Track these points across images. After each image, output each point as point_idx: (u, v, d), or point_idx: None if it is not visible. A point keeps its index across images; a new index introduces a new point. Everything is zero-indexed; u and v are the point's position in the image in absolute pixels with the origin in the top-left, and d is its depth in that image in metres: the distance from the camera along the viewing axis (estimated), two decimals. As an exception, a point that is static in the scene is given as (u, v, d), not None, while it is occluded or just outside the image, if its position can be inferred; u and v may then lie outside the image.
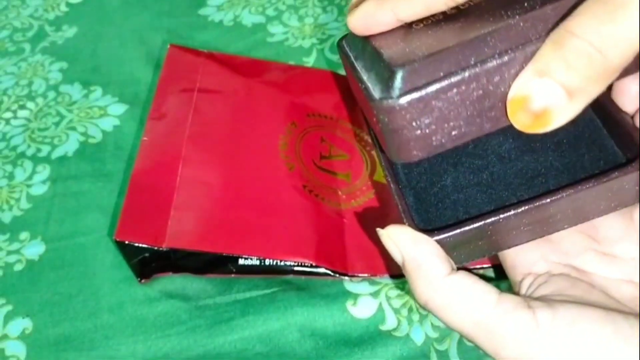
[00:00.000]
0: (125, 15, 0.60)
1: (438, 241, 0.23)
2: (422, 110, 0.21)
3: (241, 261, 0.40)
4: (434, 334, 0.37)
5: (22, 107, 0.53)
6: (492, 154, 0.26)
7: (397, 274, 0.39)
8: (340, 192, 0.43)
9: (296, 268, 0.40)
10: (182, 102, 0.45)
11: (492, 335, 0.21)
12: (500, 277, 0.37)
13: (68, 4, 0.63)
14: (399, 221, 0.24)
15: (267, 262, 0.40)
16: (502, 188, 0.25)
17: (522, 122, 0.20)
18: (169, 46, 0.50)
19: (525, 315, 0.21)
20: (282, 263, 0.40)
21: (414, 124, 0.21)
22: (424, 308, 0.22)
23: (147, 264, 0.40)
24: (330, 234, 0.41)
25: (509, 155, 0.26)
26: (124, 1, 0.62)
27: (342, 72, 0.52)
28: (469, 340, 0.23)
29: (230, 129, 0.44)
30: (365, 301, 0.39)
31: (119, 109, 0.52)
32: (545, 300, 0.22)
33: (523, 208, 0.23)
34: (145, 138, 0.43)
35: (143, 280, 0.41)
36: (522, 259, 0.25)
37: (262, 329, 0.38)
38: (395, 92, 0.21)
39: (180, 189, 0.40)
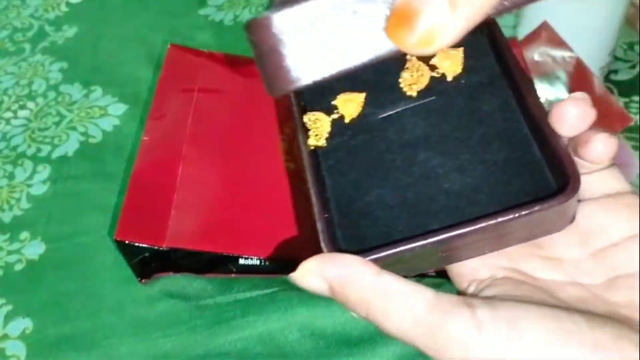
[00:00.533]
0: (125, 15, 0.60)
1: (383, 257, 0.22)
2: (294, 30, 0.21)
3: (241, 261, 0.40)
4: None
5: (23, 107, 0.53)
6: (420, 171, 0.26)
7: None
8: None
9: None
10: (182, 102, 0.45)
11: (432, 335, 0.20)
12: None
13: (68, 4, 0.63)
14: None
15: (267, 262, 0.40)
16: (427, 208, 0.25)
17: (403, 40, 0.19)
18: (169, 46, 0.50)
19: (465, 314, 0.20)
20: (282, 263, 0.40)
21: (286, 42, 0.21)
22: (366, 319, 0.21)
23: (148, 263, 0.40)
24: (331, 233, 0.41)
25: (436, 174, 0.25)
26: (124, 1, 0.62)
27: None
28: (411, 346, 0.21)
29: (230, 128, 0.44)
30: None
31: (119, 108, 0.52)
32: (485, 298, 0.22)
33: (441, 237, 0.22)
34: (145, 138, 0.43)
35: (143, 280, 0.41)
36: (465, 267, 0.25)
37: (263, 329, 0.38)
38: (267, 13, 0.21)
39: (181, 189, 0.40)
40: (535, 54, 0.45)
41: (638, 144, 0.45)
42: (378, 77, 0.28)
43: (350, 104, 0.27)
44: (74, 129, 0.51)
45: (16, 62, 0.57)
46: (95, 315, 0.40)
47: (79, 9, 0.62)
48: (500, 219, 0.22)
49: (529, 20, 0.48)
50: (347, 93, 0.28)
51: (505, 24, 0.56)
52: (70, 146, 0.50)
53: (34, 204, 0.46)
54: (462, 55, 0.28)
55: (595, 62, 0.46)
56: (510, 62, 0.27)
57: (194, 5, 0.61)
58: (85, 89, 0.54)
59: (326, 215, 0.24)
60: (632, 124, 0.43)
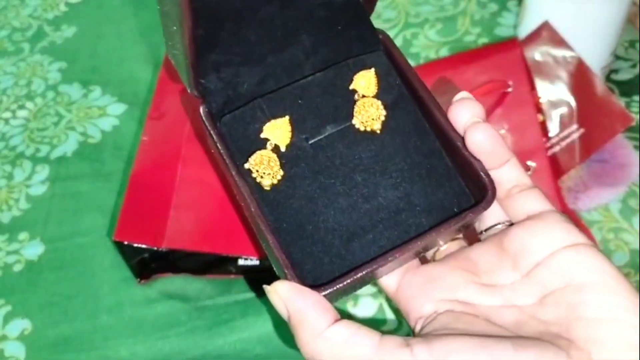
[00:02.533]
0: (124, 14, 0.60)
1: (325, 295, 0.24)
2: None
3: (240, 262, 0.40)
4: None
5: (21, 107, 0.53)
6: (359, 192, 0.27)
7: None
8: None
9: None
10: (181, 102, 0.45)
11: None
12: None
13: (67, 4, 0.62)
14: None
15: (266, 262, 0.40)
16: (371, 227, 0.27)
17: None
18: (168, 46, 0.50)
19: (404, 354, 0.22)
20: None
21: None
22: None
23: (147, 264, 0.40)
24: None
25: (373, 193, 0.27)
26: (123, 1, 0.62)
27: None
28: None
29: (230, 129, 0.44)
30: (366, 302, 0.39)
31: (118, 108, 0.52)
32: (423, 336, 0.24)
33: (397, 255, 0.25)
34: (144, 138, 0.43)
35: (142, 281, 0.40)
36: (412, 305, 0.26)
37: (262, 330, 0.38)
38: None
39: (180, 189, 0.40)
40: (536, 54, 0.45)
41: (639, 143, 0.45)
42: (294, 101, 0.29)
43: (279, 132, 0.28)
44: (72, 129, 0.51)
45: (15, 62, 0.57)
46: (94, 316, 0.40)
47: (78, 9, 0.62)
48: (434, 234, 0.26)
49: (530, 19, 0.47)
50: (272, 120, 0.28)
51: (505, 23, 0.56)
52: (69, 146, 0.50)
53: (32, 204, 0.46)
54: (374, 75, 0.29)
55: (596, 62, 0.46)
56: (413, 80, 0.29)
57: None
58: (84, 88, 0.54)
59: (283, 251, 0.25)
60: (633, 124, 0.43)
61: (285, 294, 0.24)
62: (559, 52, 0.45)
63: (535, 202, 0.26)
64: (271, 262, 0.26)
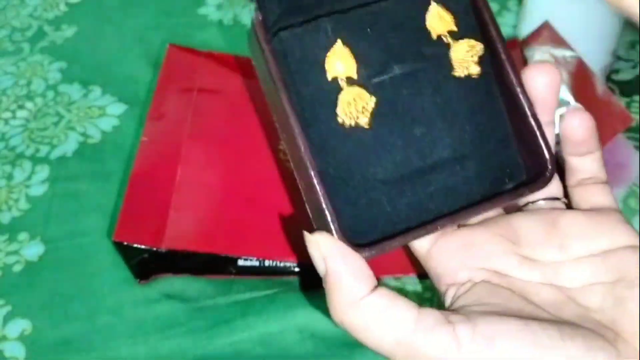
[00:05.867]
0: (124, 14, 0.60)
1: (366, 257, 0.22)
2: None
3: (241, 262, 0.40)
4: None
5: (21, 107, 0.53)
6: (414, 146, 0.25)
7: (397, 273, 0.39)
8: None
9: (296, 269, 0.40)
10: (181, 102, 0.45)
11: (412, 355, 0.21)
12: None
13: (67, 4, 0.62)
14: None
15: (266, 263, 0.40)
16: (423, 187, 0.25)
17: None
18: (168, 46, 0.50)
19: (446, 333, 0.21)
20: (282, 264, 0.40)
21: None
22: (337, 325, 0.22)
23: (146, 264, 0.40)
24: (330, 234, 0.41)
25: (429, 149, 0.25)
26: (123, 1, 0.62)
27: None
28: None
29: (230, 129, 0.44)
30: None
31: (118, 108, 0.52)
32: (465, 312, 0.22)
33: (445, 224, 0.24)
34: (144, 138, 0.43)
35: (142, 281, 0.40)
36: (444, 268, 0.25)
37: (262, 330, 0.38)
38: None
39: (179, 190, 0.40)
40: (537, 54, 0.45)
41: (639, 143, 0.45)
42: (362, 28, 0.25)
43: (343, 62, 0.25)
44: (72, 129, 0.51)
45: (15, 62, 0.57)
46: (94, 316, 0.40)
47: (78, 9, 0.62)
48: (485, 207, 0.24)
49: (530, 19, 0.47)
50: (337, 47, 0.25)
51: (506, 23, 0.56)
52: (69, 146, 0.50)
53: (32, 204, 0.46)
54: (452, 14, 0.26)
55: (596, 62, 0.46)
56: (491, 27, 0.26)
57: (193, 5, 0.61)
58: (84, 88, 0.54)
59: (330, 201, 0.23)
60: (633, 124, 0.43)
61: (327, 251, 0.22)
62: (559, 52, 0.45)
63: (603, 197, 0.26)
64: (311, 212, 0.24)
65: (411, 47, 0.26)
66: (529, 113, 0.25)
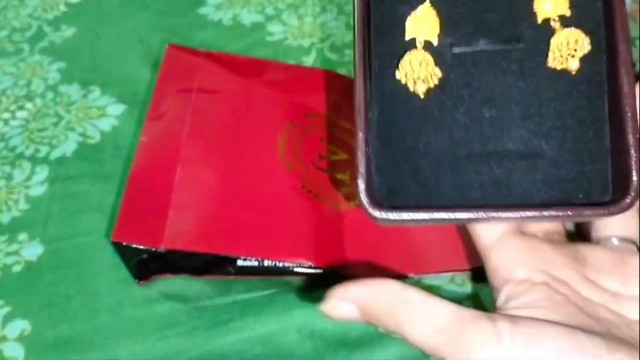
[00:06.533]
0: (124, 15, 0.60)
1: (396, 221, 0.22)
2: None
3: (240, 262, 0.40)
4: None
5: (21, 107, 0.53)
6: (480, 129, 0.23)
7: (397, 274, 0.39)
8: (339, 192, 0.43)
9: (295, 269, 0.40)
10: (180, 103, 0.45)
11: (453, 344, 0.21)
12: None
13: (67, 4, 0.62)
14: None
15: (266, 263, 0.40)
16: (474, 174, 0.23)
17: None
18: (167, 46, 0.50)
19: (486, 326, 0.21)
20: (281, 264, 0.40)
21: None
22: (393, 332, 0.23)
23: (146, 265, 0.40)
24: (330, 234, 0.40)
25: (495, 137, 0.23)
26: (122, 1, 0.62)
27: (342, 71, 0.52)
28: (431, 354, 0.22)
29: (229, 129, 0.44)
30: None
31: (117, 109, 0.52)
32: (507, 312, 0.22)
33: (481, 217, 0.22)
34: (143, 139, 0.43)
35: (141, 282, 0.40)
36: (505, 263, 0.25)
37: (262, 330, 0.38)
38: None
39: (178, 190, 0.40)
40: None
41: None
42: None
43: (426, 26, 0.23)
44: (72, 129, 0.51)
45: (15, 63, 0.57)
46: (93, 316, 0.40)
47: (78, 9, 0.62)
48: (538, 216, 0.22)
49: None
50: (423, 8, 0.24)
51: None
52: (68, 147, 0.50)
53: (32, 205, 0.46)
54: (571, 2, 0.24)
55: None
56: (618, 16, 0.23)
57: (193, 5, 0.61)
58: (83, 89, 0.54)
59: (368, 149, 0.23)
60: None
61: (344, 294, 0.23)
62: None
63: None
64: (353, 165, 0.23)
65: (507, 25, 0.24)
66: (629, 129, 0.22)
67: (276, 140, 0.44)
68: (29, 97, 0.54)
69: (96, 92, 0.53)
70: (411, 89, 0.23)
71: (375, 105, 0.24)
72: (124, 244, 0.38)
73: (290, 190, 0.42)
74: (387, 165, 0.24)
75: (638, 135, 0.22)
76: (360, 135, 0.23)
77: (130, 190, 0.40)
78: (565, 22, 0.24)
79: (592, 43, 0.24)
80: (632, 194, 0.22)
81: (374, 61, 0.24)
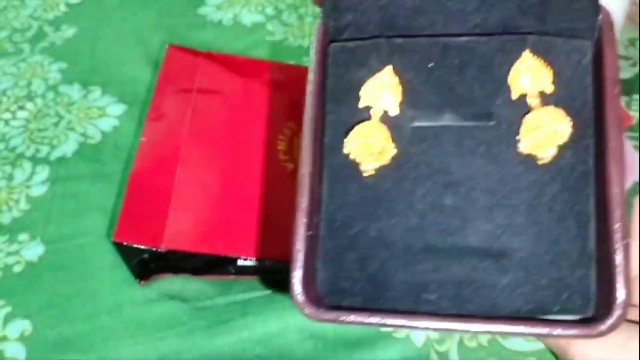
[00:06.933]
0: (124, 15, 0.60)
1: (310, 317, 0.19)
2: None
3: (240, 262, 0.40)
4: (434, 335, 0.36)
5: (22, 107, 0.53)
6: (440, 218, 0.20)
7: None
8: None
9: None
10: (180, 103, 0.45)
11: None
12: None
13: (67, 4, 0.62)
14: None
15: (266, 263, 0.40)
16: (431, 273, 0.20)
17: None
18: (167, 47, 0.50)
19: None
20: (281, 264, 0.40)
21: None
22: None
23: (146, 265, 0.40)
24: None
25: (458, 229, 0.20)
26: (122, 1, 0.62)
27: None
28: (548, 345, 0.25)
29: (229, 129, 0.44)
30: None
31: (118, 109, 0.52)
32: None
33: (430, 322, 0.19)
34: (143, 139, 0.43)
35: (142, 282, 0.40)
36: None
37: (261, 330, 0.38)
38: None
39: (179, 190, 0.40)
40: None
41: (638, 143, 0.45)
42: (425, 60, 0.21)
43: (382, 93, 0.21)
44: (72, 129, 0.51)
45: (15, 63, 0.57)
46: (94, 316, 0.40)
47: (78, 9, 0.62)
48: (502, 329, 0.19)
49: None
50: (382, 75, 0.21)
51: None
52: (69, 147, 0.50)
53: (33, 205, 0.46)
54: (551, 74, 0.20)
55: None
56: (610, 101, 0.20)
57: (193, 5, 0.61)
58: (84, 89, 0.54)
59: (311, 232, 0.20)
60: (633, 123, 0.42)
61: None
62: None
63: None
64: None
65: (478, 99, 0.21)
66: (616, 231, 0.18)
67: (276, 140, 0.44)
68: (30, 97, 0.54)
69: (97, 92, 0.53)
70: (361, 165, 0.21)
71: (325, 180, 0.21)
72: (125, 244, 0.38)
73: (289, 190, 0.42)
74: (332, 253, 0.21)
75: (625, 240, 0.18)
76: (301, 216, 0.20)
77: (131, 190, 0.40)
78: (546, 99, 0.20)
79: (576, 126, 0.20)
80: (616, 313, 0.18)
81: (327, 129, 0.21)
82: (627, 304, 0.18)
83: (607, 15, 0.21)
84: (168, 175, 0.41)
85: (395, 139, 0.21)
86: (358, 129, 0.21)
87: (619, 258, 0.18)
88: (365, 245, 0.21)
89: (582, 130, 0.20)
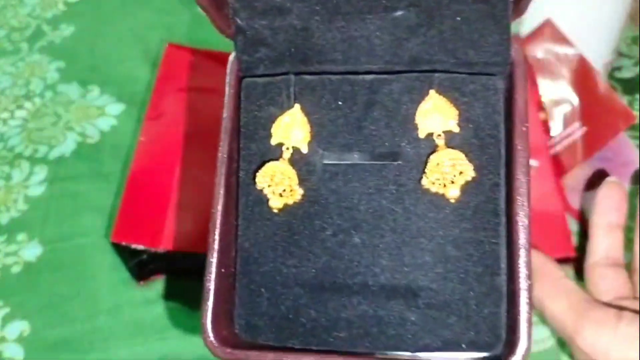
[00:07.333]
0: (123, 13, 0.60)
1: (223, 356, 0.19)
2: None
3: (240, 263, 0.40)
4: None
5: (20, 107, 0.53)
6: (349, 256, 0.20)
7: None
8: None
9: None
10: (179, 102, 0.45)
11: (579, 322, 0.27)
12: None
13: (66, 3, 0.62)
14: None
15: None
16: (341, 311, 0.20)
17: None
18: (166, 45, 0.49)
19: (610, 309, 0.27)
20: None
21: None
22: None
23: (145, 265, 0.40)
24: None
25: (367, 267, 0.20)
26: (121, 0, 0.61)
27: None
28: (559, 331, 0.28)
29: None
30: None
31: (116, 108, 0.52)
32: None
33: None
34: (142, 139, 0.43)
35: (141, 282, 0.40)
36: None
37: (261, 331, 0.38)
38: None
39: (178, 190, 0.40)
40: (538, 52, 0.45)
41: (639, 142, 0.45)
42: (335, 97, 0.21)
43: (292, 131, 0.21)
44: (71, 129, 0.51)
45: (14, 62, 0.57)
46: (92, 317, 0.39)
47: (77, 8, 0.61)
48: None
49: (532, 17, 0.47)
50: (292, 113, 0.21)
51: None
52: (67, 147, 0.49)
53: (31, 205, 0.46)
54: (457, 113, 0.20)
55: (598, 58, 0.46)
56: (519, 140, 0.20)
57: (192, 3, 0.60)
58: (82, 88, 0.54)
59: (224, 270, 0.21)
60: (635, 122, 0.42)
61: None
62: (561, 50, 0.44)
63: (614, 280, 0.31)
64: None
65: (385, 138, 0.21)
66: (522, 270, 0.18)
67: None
68: (28, 97, 0.54)
69: (95, 91, 0.53)
70: (270, 202, 0.21)
71: (240, 214, 0.22)
72: (123, 244, 0.38)
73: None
74: (246, 290, 0.21)
75: (529, 282, 0.18)
76: (212, 255, 0.20)
77: (129, 190, 0.40)
78: (452, 140, 0.20)
79: (482, 165, 0.20)
80: (519, 356, 0.18)
81: (242, 164, 0.22)
82: (529, 348, 0.18)
83: (519, 50, 0.21)
84: (167, 175, 0.40)
85: (306, 176, 0.21)
86: (265, 169, 0.21)
87: (523, 300, 0.18)
88: (278, 282, 0.21)
89: (490, 169, 0.21)
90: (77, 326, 0.39)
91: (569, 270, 0.38)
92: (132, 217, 0.39)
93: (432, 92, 0.21)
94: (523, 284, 0.19)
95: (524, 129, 0.20)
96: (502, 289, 0.20)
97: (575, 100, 0.44)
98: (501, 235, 0.20)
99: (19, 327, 0.39)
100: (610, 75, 0.49)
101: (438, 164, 0.20)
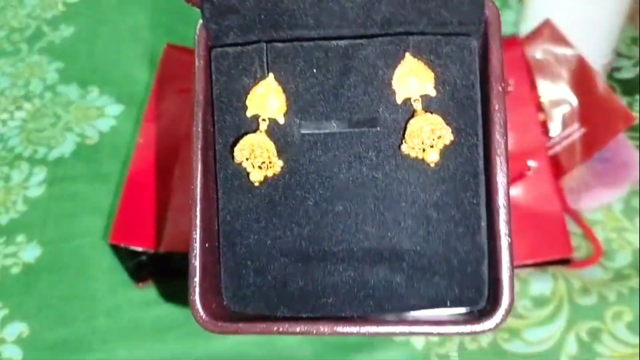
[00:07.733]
0: (122, 14, 0.60)
1: (213, 330, 0.20)
2: None
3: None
4: (434, 338, 0.36)
5: (19, 108, 0.53)
6: (334, 223, 0.20)
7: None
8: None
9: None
10: (178, 103, 0.45)
11: None
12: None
13: (65, 4, 0.62)
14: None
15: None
16: (327, 277, 0.20)
17: None
18: (165, 46, 0.49)
19: None
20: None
21: None
22: None
23: (144, 267, 0.40)
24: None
25: (351, 233, 0.20)
26: (121, 0, 0.61)
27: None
28: None
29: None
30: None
31: (115, 109, 0.52)
32: None
33: (324, 327, 0.20)
34: (140, 140, 0.43)
35: (140, 284, 0.40)
36: None
37: (260, 333, 0.38)
38: None
39: (177, 191, 0.40)
40: (538, 52, 0.45)
41: (639, 143, 0.45)
42: (310, 64, 0.21)
43: (267, 102, 0.20)
44: (70, 130, 0.51)
45: (13, 63, 0.57)
46: (91, 319, 0.39)
47: (76, 9, 0.61)
48: (390, 331, 0.20)
49: (531, 17, 0.47)
50: (266, 83, 0.21)
51: (506, 20, 0.55)
52: (66, 147, 0.49)
53: (30, 206, 0.46)
54: (433, 76, 0.20)
55: (597, 59, 0.45)
56: (495, 99, 0.20)
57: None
58: (82, 89, 0.54)
59: (207, 245, 0.20)
60: (635, 123, 0.42)
61: None
62: (560, 50, 0.44)
63: None
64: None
65: (362, 105, 0.21)
66: (502, 228, 0.19)
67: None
68: (28, 98, 0.54)
69: (94, 92, 0.53)
70: (250, 176, 0.21)
71: (220, 189, 0.21)
72: (122, 246, 0.38)
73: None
74: (231, 262, 0.21)
75: (510, 240, 0.19)
76: (194, 231, 0.20)
77: (128, 191, 0.40)
78: (430, 103, 0.20)
79: (460, 128, 0.20)
80: (502, 310, 0.19)
81: (218, 138, 0.21)
82: (512, 302, 0.19)
83: (493, 8, 0.21)
84: (166, 176, 0.40)
85: (284, 147, 0.21)
86: (243, 141, 0.21)
87: (504, 257, 0.19)
88: (263, 253, 0.21)
89: (468, 131, 0.21)
90: (76, 327, 0.39)
91: (566, 270, 0.38)
92: (130, 219, 0.39)
93: (407, 55, 0.20)
94: (504, 241, 0.19)
95: (500, 88, 0.20)
96: (484, 247, 0.20)
97: (574, 101, 0.44)
98: (481, 195, 0.20)
99: (18, 328, 0.40)
100: (610, 76, 0.49)
101: (417, 129, 0.20)
